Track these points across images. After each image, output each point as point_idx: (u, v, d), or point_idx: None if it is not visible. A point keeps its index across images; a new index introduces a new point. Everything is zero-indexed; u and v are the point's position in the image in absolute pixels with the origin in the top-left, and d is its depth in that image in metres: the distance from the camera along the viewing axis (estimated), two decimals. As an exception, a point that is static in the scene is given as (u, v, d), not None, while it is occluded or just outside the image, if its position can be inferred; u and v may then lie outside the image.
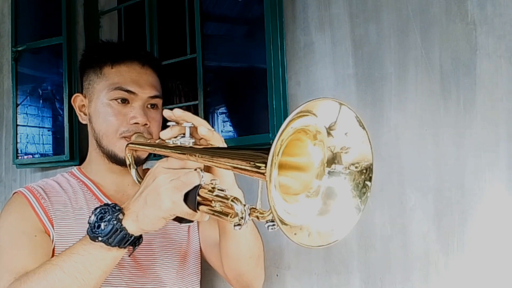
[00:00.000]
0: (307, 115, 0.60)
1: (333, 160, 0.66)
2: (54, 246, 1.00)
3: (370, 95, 1.26)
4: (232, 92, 1.65)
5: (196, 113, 1.76)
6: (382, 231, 1.23)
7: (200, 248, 1.20)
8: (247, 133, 1.56)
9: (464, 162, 1.10)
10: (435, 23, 1.15)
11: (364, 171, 0.66)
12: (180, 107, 2.08)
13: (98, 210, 0.82)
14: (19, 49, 2.24)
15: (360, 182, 0.66)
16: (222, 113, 1.69)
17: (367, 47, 1.27)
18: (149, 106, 1.10)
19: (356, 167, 0.66)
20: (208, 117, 1.67)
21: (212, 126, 1.66)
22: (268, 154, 0.54)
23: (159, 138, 0.88)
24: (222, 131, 1.66)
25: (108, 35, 2.21)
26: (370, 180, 0.66)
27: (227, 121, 1.67)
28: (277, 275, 1.43)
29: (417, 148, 1.18)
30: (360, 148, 0.66)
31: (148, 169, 1.23)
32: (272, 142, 0.55)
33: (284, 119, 1.52)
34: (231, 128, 1.65)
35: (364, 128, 0.64)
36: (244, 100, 1.60)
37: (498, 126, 1.06)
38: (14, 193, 1.06)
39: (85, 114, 1.13)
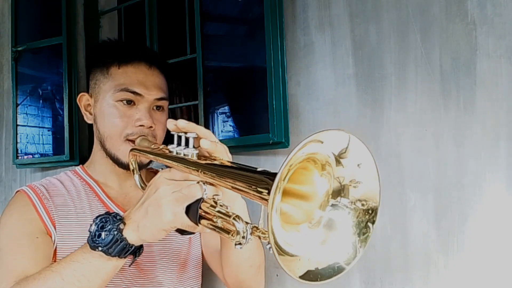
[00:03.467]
0: (315, 143, 0.57)
1: (339, 192, 0.63)
2: (56, 247, 1.00)
3: (370, 95, 1.26)
4: (232, 92, 1.65)
5: (196, 113, 1.76)
6: (382, 231, 1.23)
7: (202, 253, 1.20)
8: (247, 133, 1.56)
9: (464, 162, 1.10)
10: (435, 23, 1.15)
11: (370, 211, 0.63)
12: (180, 107, 2.08)
13: (99, 219, 0.81)
14: (19, 49, 2.24)
15: (363, 221, 0.63)
16: (222, 113, 1.69)
17: (367, 47, 1.27)
18: (154, 108, 1.09)
19: (362, 205, 0.63)
20: (208, 117, 1.67)
21: (212, 126, 1.66)
22: (272, 180, 0.52)
23: (164, 143, 0.87)
24: (222, 131, 1.66)
25: (108, 35, 2.20)
26: (373, 223, 0.63)
27: (227, 121, 1.67)
28: (277, 275, 1.43)
29: (417, 148, 1.18)
30: (371, 185, 0.62)
31: (152, 169, 1.23)
32: (279, 170, 0.53)
33: (284, 119, 1.51)
34: (231, 128, 1.65)
35: (376, 165, 0.60)
36: (244, 100, 1.60)
37: (498, 126, 1.06)
38: (16, 192, 1.06)
39: (90, 114, 1.13)
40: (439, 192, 1.14)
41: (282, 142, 1.39)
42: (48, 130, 2.23)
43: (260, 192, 0.58)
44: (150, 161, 1.09)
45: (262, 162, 1.49)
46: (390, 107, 1.23)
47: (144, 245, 0.85)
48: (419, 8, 1.18)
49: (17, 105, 2.26)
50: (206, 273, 1.27)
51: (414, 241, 1.18)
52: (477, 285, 1.08)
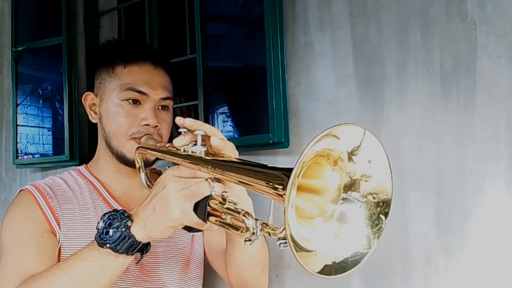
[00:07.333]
0: (329, 137, 0.58)
1: (350, 186, 0.64)
2: (60, 247, 1.00)
3: (370, 95, 1.26)
4: (232, 92, 1.65)
5: (196, 113, 1.76)
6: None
7: (204, 252, 1.20)
8: (247, 133, 1.56)
9: (464, 162, 1.10)
10: (435, 23, 1.15)
11: (381, 203, 0.64)
12: (180, 107, 2.08)
13: (106, 216, 0.81)
14: (19, 49, 2.24)
15: (375, 213, 0.64)
16: (222, 113, 1.69)
17: (367, 47, 1.27)
18: (160, 107, 1.10)
19: (373, 198, 0.64)
20: (208, 117, 1.67)
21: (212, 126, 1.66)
22: (288, 175, 0.53)
23: (169, 142, 0.87)
24: (222, 131, 1.66)
25: (108, 35, 2.21)
26: (386, 215, 0.64)
27: (227, 121, 1.67)
28: (277, 275, 1.43)
29: (417, 148, 1.18)
30: (382, 180, 0.63)
31: (155, 169, 1.23)
32: (294, 165, 0.53)
33: (284, 119, 1.50)
34: (231, 128, 1.65)
35: (388, 159, 0.62)
36: (244, 100, 1.60)
37: (499, 126, 1.06)
38: (20, 191, 1.06)
39: (95, 113, 1.13)
40: (439, 192, 1.14)
41: (282, 142, 1.39)
42: (48, 130, 2.23)
43: (276, 188, 0.58)
44: (156, 160, 1.09)
45: (262, 162, 1.49)
46: (390, 107, 1.23)
47: None
48: (419, 8, 1.18)
49: (17, 105, 2.26)
50: (207, 273, 1.27)
51: (414, 241, 1.17)
52: (477, 285, 1.08)
